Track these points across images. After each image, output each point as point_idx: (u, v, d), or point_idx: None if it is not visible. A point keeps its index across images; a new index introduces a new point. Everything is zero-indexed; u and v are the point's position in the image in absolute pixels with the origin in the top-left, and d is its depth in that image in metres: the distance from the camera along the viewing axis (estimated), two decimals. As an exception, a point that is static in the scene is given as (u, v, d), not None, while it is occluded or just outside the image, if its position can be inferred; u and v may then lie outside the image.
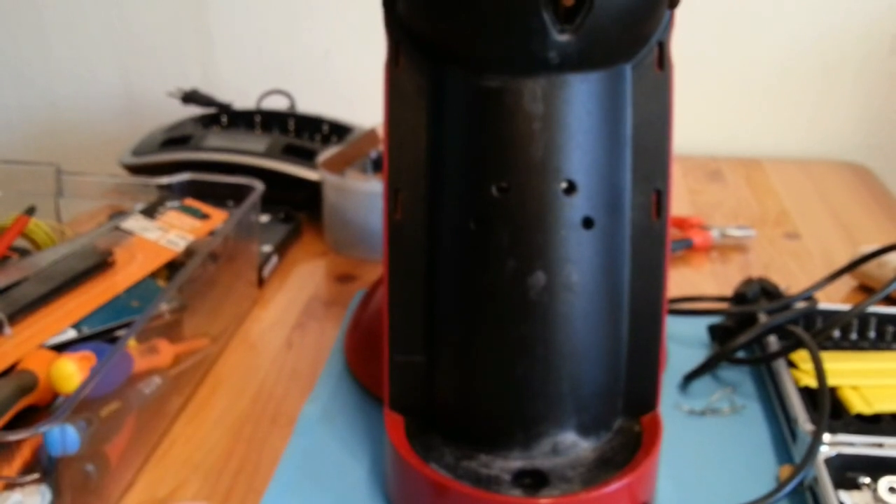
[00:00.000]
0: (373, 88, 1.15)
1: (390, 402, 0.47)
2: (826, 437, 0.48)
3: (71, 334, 0.52)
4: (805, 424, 0.49)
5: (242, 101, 1.04)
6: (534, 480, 0.43)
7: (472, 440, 0.45)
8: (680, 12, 0.43)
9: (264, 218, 0.82)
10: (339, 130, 0.94)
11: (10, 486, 0.42)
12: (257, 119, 0.96)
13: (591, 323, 0.44)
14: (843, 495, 0.45)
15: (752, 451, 0.52)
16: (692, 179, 1.00)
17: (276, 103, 1.04)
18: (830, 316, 0.57)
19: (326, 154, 0.80)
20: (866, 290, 0.72)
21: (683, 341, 0.63)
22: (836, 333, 0.60)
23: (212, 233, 0.65)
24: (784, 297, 0.62)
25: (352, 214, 0.77)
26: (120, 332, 0.53)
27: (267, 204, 0.76)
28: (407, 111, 0.44)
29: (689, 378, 0.58)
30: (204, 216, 0.67)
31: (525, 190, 0.42)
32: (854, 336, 0.60)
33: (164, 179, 0.71)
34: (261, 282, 0.73)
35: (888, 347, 0.59)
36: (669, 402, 0.56)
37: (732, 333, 0.60)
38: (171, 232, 0.64)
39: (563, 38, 0.39)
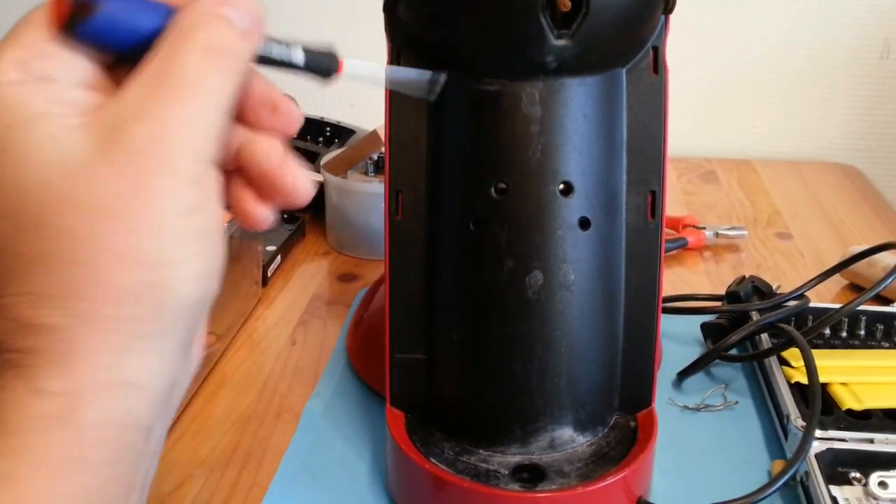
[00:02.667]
0: (374, 92, 1.14)
1: (391, 398, 0.47)
2: (817, 432, 0.48)
3: (79, 332, 0.53)
4: (796, 420, 0.49)
5: (245, 103, 1.04)
6: (531, 475, 0.44)
7: (472, 436, 0.45)
8: (674, 17, 0.44)
9: (267, 218, 0.83)
10: (341, 133, 0.94)
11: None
12: (259, 121, 0.96)
13: (588, 321, 0.44)
14: (835, 490, 0.45)
15: (744, 446, 0.52)
16: (686, 181, 1.00)
17: (278, 106, 1.04)
18: (821, 314, 0.57)
19: (329, 156, 0.81)
20: (856, 288, 0.72)
21: (678, 339, 0.64)
22: (827, 331, 0.60)
23: (216, 233, 0.66)
24: (776, 296, 0.63)
25: (354, 215, 0.77)
26: (127, 330, 0.54)
27: (270, 205, 0.77)
28: (408, 114, 0.45)
29: (683, 375, 0.59)
30: (208, 217, 0.67)
31: (523, 191, 0.42)
32: (844, 334, 0.60)
33: (169, 181, 0.72)
34: (265, 281, 0.73)
35: (878, 345, 0.60)
36: (664, 399, 0.56)
37: (725, 331, 0.61)
38: (177, 232, 0.65)
39: (560, 43, 0.40)
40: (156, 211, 0.25)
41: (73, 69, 0.27)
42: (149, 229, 0.25)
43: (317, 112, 1.00)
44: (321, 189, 0.81)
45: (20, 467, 0.24)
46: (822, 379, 0.52)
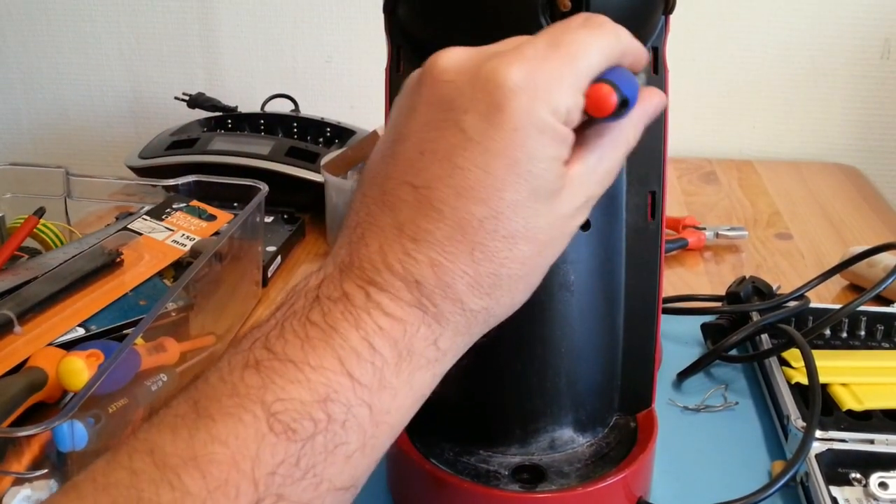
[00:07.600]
0: (374, 92, 1.16)
1: (392, 398, 0.47)
2: (817, 433, 0.48)
3: (79, 332, 0.53)
4: (797, 421, 0.49)
5: (247, 105, 1.04)
6: (531, 475, 0.44)
7: (472, 436, 0.45)
8: (674, 18, 0.44)
9: (268, 219, 0.82)
10: (341, 133, 0.94)
11: (20, 481, 0.42)
12: (262, 122, 0.96)
13: (588, 322, 0.44)
14: (835, 490, 0.45)
15: (744, 446, 0.52)
16: (686, 181, 1.01)
17: (281, 107, 1.04)
18: (821, 315, 0.57)
19: (329, 156, 0.81)
20: (856, 289, 0.72)
21: (678, 339, 0.64)
22: (827, 332, 0.60)
23: (217, 233, 0.66)
24: (776, 297, 0.63)
25: (353, 215, 0.78)
26: (127, 331, 0.54)
27: (271, 205, 0.77)
28: (408, 115, 0.45)
29: (684, 375, 0.59)
30: (210, 217, 0.68)
31: (523, 192, 0.42)
32: (844, 334, 0.60)
33: (171, 181, 0.72)
34: (265, 281, 0.73)
35: (878, 346, 0.60)
36: (664, 399, 0.56)
37: (725, 332, 0.61)
38: (178, 232, 0.65)
39: (561, 44, 0.40)
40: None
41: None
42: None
43: (317, 113, 1.00)
44: (321, 189, 0.81)
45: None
46: (823, 379, 0.52)
